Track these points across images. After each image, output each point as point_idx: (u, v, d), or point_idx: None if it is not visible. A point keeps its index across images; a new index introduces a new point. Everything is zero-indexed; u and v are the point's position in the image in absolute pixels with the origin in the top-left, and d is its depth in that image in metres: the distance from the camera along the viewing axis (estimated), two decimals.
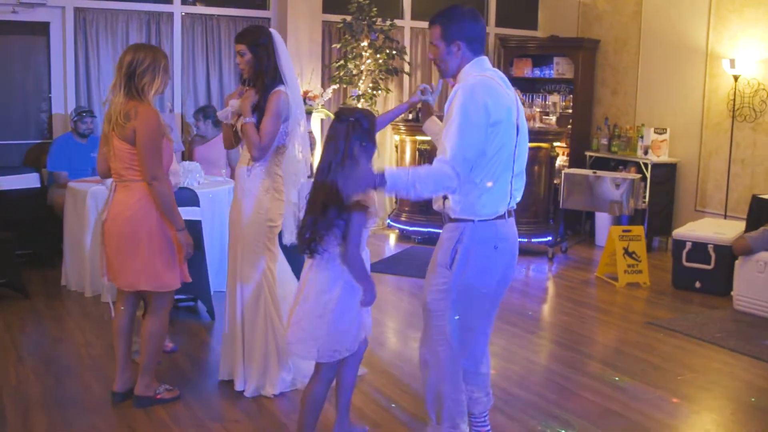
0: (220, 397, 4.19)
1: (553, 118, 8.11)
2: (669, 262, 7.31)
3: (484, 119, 3.00)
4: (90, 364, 4.62)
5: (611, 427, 3.96)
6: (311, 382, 3.42)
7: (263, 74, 4.07)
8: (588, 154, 8.87)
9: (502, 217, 3.19)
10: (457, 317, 3.22)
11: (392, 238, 8.57)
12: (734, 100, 7.64)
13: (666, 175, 8.27)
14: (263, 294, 4.18)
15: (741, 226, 6.82)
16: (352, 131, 3.17)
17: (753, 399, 4.42)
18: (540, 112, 8.09)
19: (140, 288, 3.86)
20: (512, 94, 3.22)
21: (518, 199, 3.28)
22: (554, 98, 8.23)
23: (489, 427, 3.56)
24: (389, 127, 9.05)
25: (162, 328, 3.98)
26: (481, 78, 3.11)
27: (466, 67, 3.17)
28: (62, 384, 4.31)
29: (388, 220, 8.83)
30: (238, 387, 4.20)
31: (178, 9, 7.82)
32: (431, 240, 8.01)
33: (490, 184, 3.10)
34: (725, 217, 7.74)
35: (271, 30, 4.18)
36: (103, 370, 4.50)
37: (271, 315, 4.19)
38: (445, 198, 3.22)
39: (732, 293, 6.24)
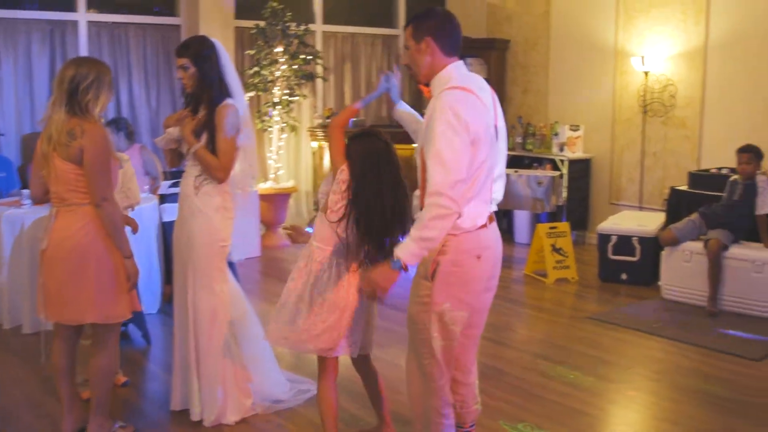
0: (178, 428, 3.97)
1: None
2: (592, 255, 7.50)
3: (466, 138, 2.86)
4: (29, 405, 4.30)
5: (579, 427, 3.98)
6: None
7: (209, 88, 3.89)
8: None
9: (484, 226, 3.12)
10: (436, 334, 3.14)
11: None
12: (644, 95, 7.90)
13: (581, 171, 8.47)
14: (218, 317, 4.00)
15: (661, 217, 7.05)
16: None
17: (703, 386, 4.55)
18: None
19: (87, 321, 3.60)
20: (489, 99, 3.12)
21: (499, 199, 3.23)
22: None
23: None
24: (307, 133, 8.93)
25: (113, 362, 3.73)
26: (458, 92, 2.94)
27: (440, 74, 3.04)
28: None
29: (308, 228, 8.68)
30: (194, 417, 3.98)
31: (83, 17, 7.46)
32: None
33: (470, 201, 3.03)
34: (640, 208, 7.99)
35: (214, 40, 4.00)
36: (49, 412, 4.19)
37: (227, 338, 4.01)
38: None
39: (659, 283, 6.43)
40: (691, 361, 5.00)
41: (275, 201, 8.05)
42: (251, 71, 8.03)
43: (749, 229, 6.07)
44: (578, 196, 8.43)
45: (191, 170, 3.97)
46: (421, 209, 3.08)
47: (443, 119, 2.83)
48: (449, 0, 9.94)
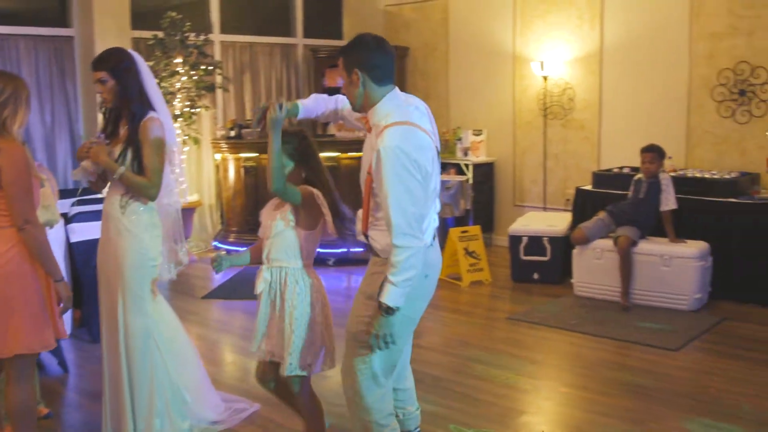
0: None
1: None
2: (501, 257, 7.66)
3: (419, 176, 2.88)
4: None
5: (524, 427, 4.03)
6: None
7: (130, 102, 3.70)
8: None
9: (428, 245, 3.10)
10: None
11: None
12: (544, 99, 8.12)
13: (486, 174, 8.63)
14: (151, 340, 3.82)
15: (567, 217, 7.26)
16: None
17: (629, 378, 4.69)
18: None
19: (13, 353, 3.35)
20: (427, 122, 3.09)
21: (438, 210, 3.22)
22: None
23: None
24: (209, 145, 8.71)
25: (33, 395, 3.48)
26: (401, 128, 2.90)
27: (377, 108, 2.98)
28: None
29: (214, 242, 8.49)
30: None
31: None
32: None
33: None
34: (544, 209, 8.21)
35: (132, 52, 3.82)
36: None
37: (163, 361, 3.84)
38: (366, 234, 3.11)
39: (572, 281, 6.61)
40: (613, 354, 5.16)
41: None
42: None
43: (654, 225, 6.32)
44: (483, 199, 8.58)
45: (115, 189, 3.78)
46: (363, 234, 3.06)
47: (396, 162, 2.82)
48: (346, 8, 9.96)
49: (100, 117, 7.07)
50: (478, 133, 8.55)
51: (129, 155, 3.67)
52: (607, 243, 6.35)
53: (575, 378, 4.75)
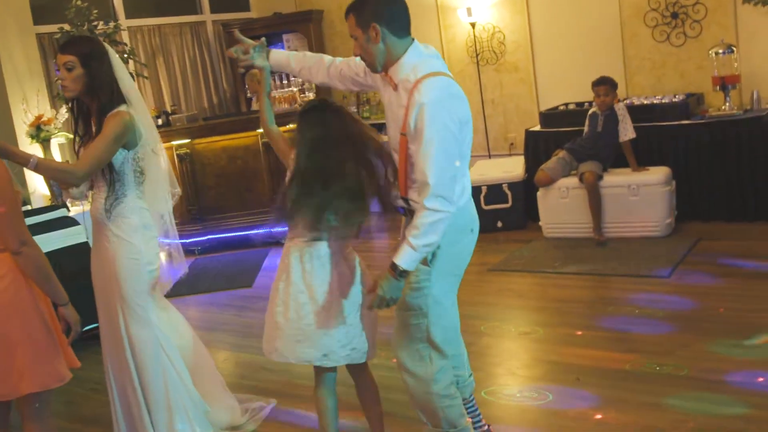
0: None
1: (311, 95, 7.88)
2: None
3: (458, 132, 2.73)
4: None
5: (555, 377, 3.94)
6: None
7: (99, 92, 3.33)
8: None
9: (469, 199, 2.96)
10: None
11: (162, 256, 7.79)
12: (474, 46, 7.99)
13: None
14: (161, 351, 3.51)
15: (520, 161, 7.19)
16: None
17: (637, 311, 4.68)
18: (298, 91, 7.82)
19: (22, 393, 2.99)
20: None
21: None
22: None
23: (478, 411, 3.35)
24: None
25: None
26: (438, 80, 2.73)
27: (402, 62, 2.80)
28: None
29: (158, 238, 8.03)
30: None
31: None
32: (213, 248, 7.47)
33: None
34: (489, 157, 8.12)
35: (102, 41, 3.44)
36: None
37: (177, 372, 3.54)
38: (405, 198, 2.90)
39: (540, 223, 6.57)
40: (610, 290, 5.15)
41: None
42: None
43: (614, 157, 6.33)
44: None
45: (98, 192, 3.43)
46: (403, 197, 2.87)
47: (438, 119, 2.67)
48: None
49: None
50: None
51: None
52: (572, 181, 6.32)
53: (583, 319, 4.69)
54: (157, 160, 3.57)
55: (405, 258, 2.71)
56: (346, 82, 3.25)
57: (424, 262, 2.86)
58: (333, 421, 3.19)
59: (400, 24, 2.81)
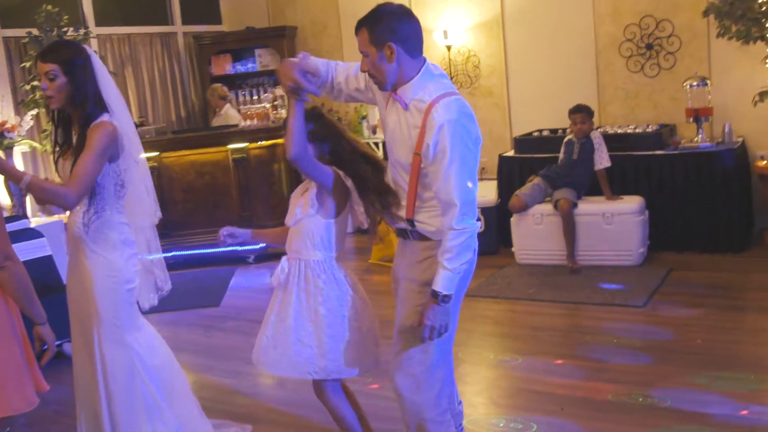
0: None
1: (283, 112, 7.76)
2: None
3: (476, 151, 2.72)
4: None
5: (541, 408, 3.87)
6: None
7: (83, 102, 3.19)
8: None
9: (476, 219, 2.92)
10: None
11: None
12: (449, 68, 7.98)
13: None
14: (137, 374, 3.36)
15: (492, 186, 7.17)
16: None
17: (615, 341, 4.65)
18: (271, 107, 7.70)
19: None
20: None
21: None
22: (281, 91, 7.88)
23: None
24: None
25: None
26: (453, 100, 2.70)
27: (414, 82, 2.74)
28: None
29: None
30: None
31: None
32: (178, 265, 7.26)
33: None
34: None
35: (86, 47, 3.30)
36: None
37: (153, 397, 3.39)
38: (411, 222, 2.84)
39: (513, 249, 6.54)
40: (586, 319, 5.12)
41: None
42: (28, 86, 6.99)
43: (588, 185, 6.34)
44: None
45: (77, 209, 3.27)
46: (409, 218, 2.80)
47: (459, 139, 2.65)
48: None
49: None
50: None
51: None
52: (546, 208, 6.32)
53: (561, 348, 4.64)
54: (139, 170, 3.44)
55: (445, 283, 2.69)
56: (341, 96, 3.14)
57: (430, 283, 2.80)
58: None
59: (415, 43, 2.75)
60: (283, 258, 3.17)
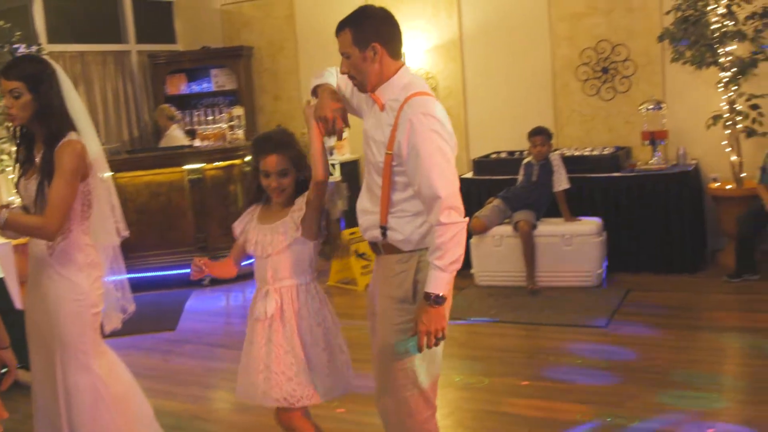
0: None
1: (240, 132, 7.69)
2: None
3: (451, 146, 2.67)
4: None
5: (512, 429, 3.86)
6: None
7: (49, 120, 3.09)
8: None
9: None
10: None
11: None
12: None
13: (351, 172, 8.39)
14: (100, 399, 3.24)
15: None
16: None
17: (579, 361, 4.67)
18: (228, 127, 7.61)
19: None
20: None
21: None
22: (237, 111, 7.80)
23: None
24: None
25: None
26: (428, 99, 2.69)
27: (392, 81, 2.73)
28: None
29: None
30: None
31: None
32: (132, 288, 7.07)
33: None
34: None
35: (50, 61, 3.20)
36: None
37: (116, 426, 3.27)
38: (384, 230, 2.79)
39: (472, 271, 6.54)
40: (549, 340, 5.13)
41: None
42: None
43: (547, 207, 6.39)
44: (354, 198, 8.32)
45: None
46: (383, 225, 2.76)
47: (433, 131, 2.61)
48: (177, 11, 9.30)
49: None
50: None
51: (47, 189, 3.06)
52: (506, 229, 6.34)
53: (527, 369, 4.64)
54: (105, 189, 3.34)
55: (437, 284, 2.60)
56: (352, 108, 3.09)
57: (408, 300, 2.76)
58: None
59: (396, 46, 2.77)
60: (265, 290, 3.01)
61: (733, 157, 6.37)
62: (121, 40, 8.72)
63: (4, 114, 5.44)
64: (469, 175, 7.19)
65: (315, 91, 2.99)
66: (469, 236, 6.43)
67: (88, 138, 3.21)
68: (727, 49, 6.13)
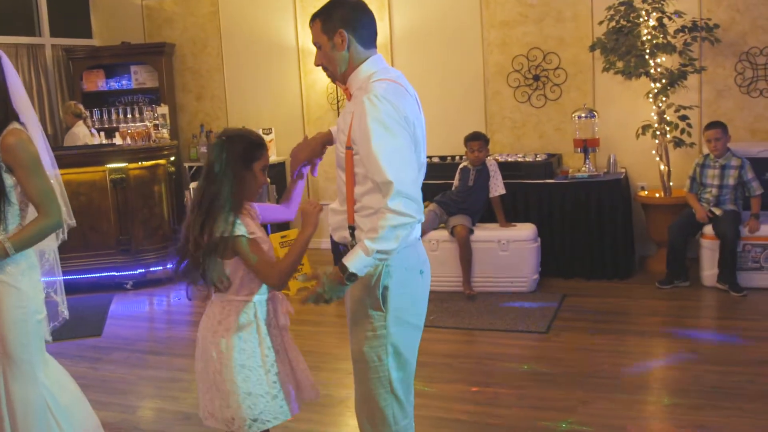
0: None
1: (165, 131, 7.39)
2: (324, 260, 7.31)
3: (407, 131, 2.54)
4: None
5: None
6: None
7: None
8: (188, 164, 8.35)
9: (418, 238, 2.81)
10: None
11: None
12: (336, 93, 7.91)
13: (279, 175, 8.21)
14: (47, 413, 3.03)
15: None
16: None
17: (526, 367, 4.67)
18: (152, 126, 7.30)
19: None
20: (415, 101, 2.77)
21: None
22: (162, 109, 7.50)
23: None
24: None
25: None
26: (390, 84, 2.59)
27: (360, 69, 2.65)
28: None
29: None
30: None
31: None
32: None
33: None
34: None
35: None
36: None
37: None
38: (352, 230, 2.69)
39: None
40: (491, 345, 5.12)
41: None
42: None
43: (482, 212, 6.40)
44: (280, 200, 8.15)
45: None
46: (350, 227, 2.66)
47: (384, 113, 2.48)
48: (94, 4, 8.90)
49: None
50: (267, 132, 8.12)
51: None
52: (441, 234, 6.32)
53: (473, 375, 4.61)
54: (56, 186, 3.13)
55: (356, 261, 2.44)
56: None
57: (377, 306, 2.65)
58: None
59: (367, 33, 2.68)
60: (271, 295, 2.84)
61: (662, 167, 6.54)
62: (34, 32, 8.28)
63: None
64: None
65: None
66: None
67: (32, 129, 3.03)
68: (658, 60, 6.29)
